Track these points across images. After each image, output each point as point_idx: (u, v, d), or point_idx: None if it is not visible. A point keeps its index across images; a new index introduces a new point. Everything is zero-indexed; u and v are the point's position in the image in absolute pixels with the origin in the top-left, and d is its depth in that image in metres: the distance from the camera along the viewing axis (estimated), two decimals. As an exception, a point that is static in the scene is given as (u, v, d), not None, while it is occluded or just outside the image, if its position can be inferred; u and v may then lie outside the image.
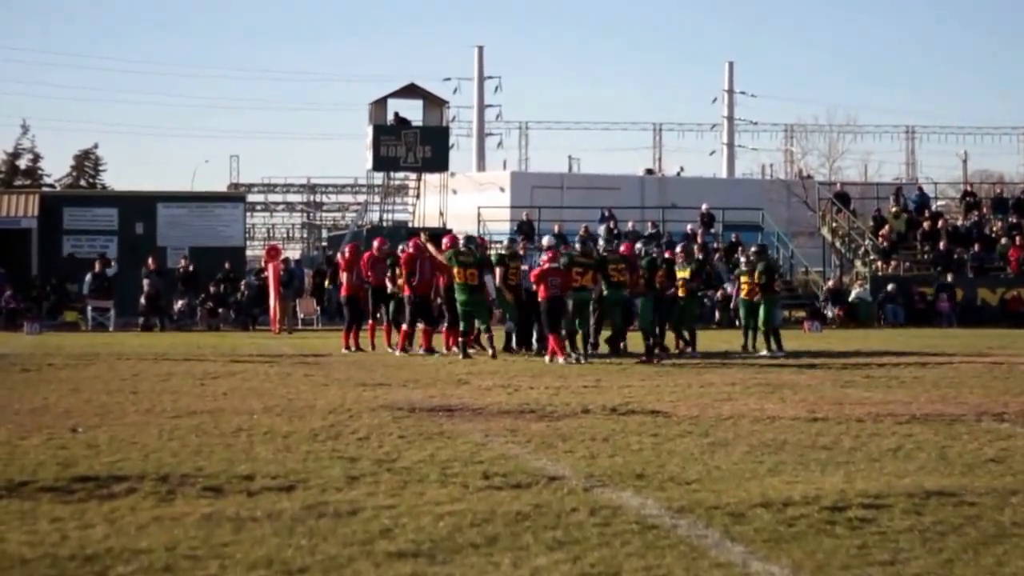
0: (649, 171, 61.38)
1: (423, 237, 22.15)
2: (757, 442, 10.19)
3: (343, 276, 23.71)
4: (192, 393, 14.18)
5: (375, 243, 23.20)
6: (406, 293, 21.23)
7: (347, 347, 22.21)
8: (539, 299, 19.35)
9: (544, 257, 19.68)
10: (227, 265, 36.09)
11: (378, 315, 22.76)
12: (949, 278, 38.02)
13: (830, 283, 39.31)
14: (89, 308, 34.04)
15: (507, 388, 14.90)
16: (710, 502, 7.50)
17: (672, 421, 11.58)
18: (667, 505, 7.44)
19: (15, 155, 65.88)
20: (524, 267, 21.42)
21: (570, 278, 19.37)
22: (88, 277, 34.38)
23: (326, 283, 36.42)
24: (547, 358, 19.14)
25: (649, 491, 7.92)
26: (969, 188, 47.86)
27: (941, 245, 39.63)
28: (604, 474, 8.54)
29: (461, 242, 20.90)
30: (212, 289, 35.18)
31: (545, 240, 22.17)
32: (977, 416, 12.12)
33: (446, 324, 21.19)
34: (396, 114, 43.36)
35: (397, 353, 20.74)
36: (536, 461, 9.13)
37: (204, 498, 7.62)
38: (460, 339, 20.17)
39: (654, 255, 21.72)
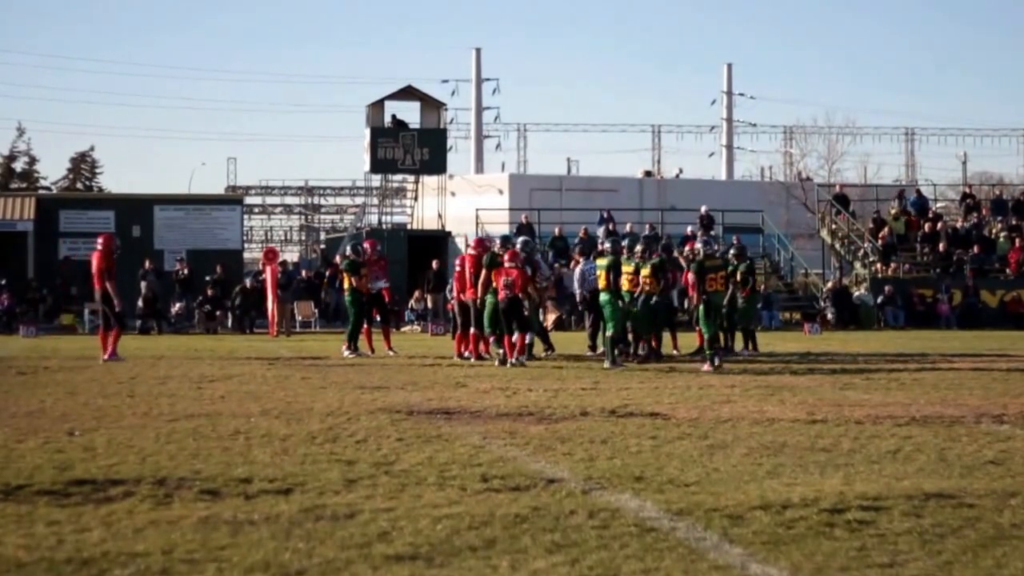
0: (648, 173, 61.38)
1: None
2: (756, 444, 10.18)
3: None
4: (189, 396, 14.18)
5: (367, 246, 23.05)
6: (472, 297, 20.01)
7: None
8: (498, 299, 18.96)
9: (505, 257, 19.40)
10: (218, 269, 35.96)
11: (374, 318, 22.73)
12: (969, 281, 38.07)
13: (829, 284, 39.35)
14: (87, 311, 34.03)
15: (505, 391, 14.88)
16: (709, 504, 7.48)
17: (671, 423, 11.57)
18: (666, 507, 7.42)
19: (11, 158, 66.01)
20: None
21: (527, 278, 19.14)
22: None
23: (322, 286, 36.41)
24: (509, 361, 18.75)
25: (648, 493, 7.91)
26: (968, 190, 47.90)
27: (941, 247, 39.68)
28: (603, 477, 8.52)
29: (497, 244, 20.39)
30: (210, 292, 35.18)
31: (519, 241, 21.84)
32: (976, 418, 12.11)
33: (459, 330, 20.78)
34: (393, 116, 43.42)
35: (473, 360, 19.80)
36: (535, 464, 9.13)
37: (201, 501, 7.61)
38: (492, 343, 19.69)
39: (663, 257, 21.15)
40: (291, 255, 59.86)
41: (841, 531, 6.84)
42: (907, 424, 11.55)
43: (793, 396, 14.27)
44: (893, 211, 41.84)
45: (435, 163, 43.56)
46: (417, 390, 15.03)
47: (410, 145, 42.59)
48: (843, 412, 12.49)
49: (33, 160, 66.66)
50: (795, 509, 7.33)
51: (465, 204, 46.80)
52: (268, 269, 32.89)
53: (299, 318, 35.24)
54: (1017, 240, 39.55)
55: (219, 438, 10.41)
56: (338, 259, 25.14)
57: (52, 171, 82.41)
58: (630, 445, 10.10)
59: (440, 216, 43.99)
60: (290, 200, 72.61)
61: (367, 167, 43.93)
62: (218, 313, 34.97)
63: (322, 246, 52.09)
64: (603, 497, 7.78)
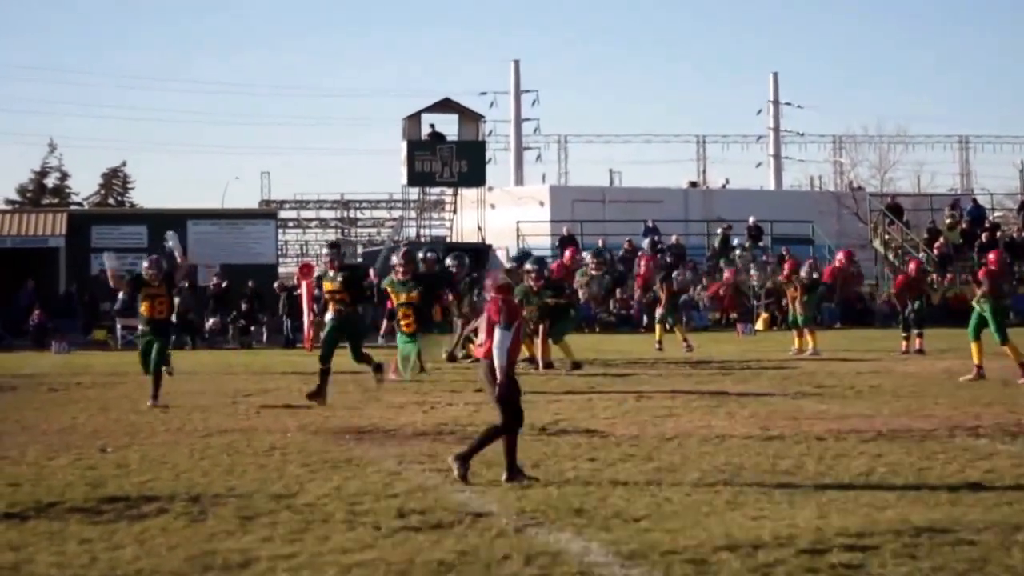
0: (693, 184, 61.83)
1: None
2: (709, 467, 9.62)
3: None
4: (223, 411, 14.44)
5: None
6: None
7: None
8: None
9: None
10: (251, 283, 36.80)
11: None
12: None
13: (884, 296, 39.94)
14: (119, 326, 34.98)
15: (422, 405, 14.54)
16: (665, 545, 6.91)
17: (610, 442, 11.12)
18: (615, 549, 6.87)
19: (42, 174, 66.99)
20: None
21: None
22: (121, 295, 35.43)
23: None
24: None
25: (592, 531, 7.36)
26: (1026, 198, 48.31)
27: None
28: (537, 509, 7.99)
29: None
30: (245, 306, 36.06)
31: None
32: (949, 431, 11.73)
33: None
34: (432, 126, 44.25)
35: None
36: (458, 494, 8.66)
37: (236, 518, 7.83)
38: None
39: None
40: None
41: (826, 578, 6.35)
42: (874, 439, 11.17)
43: (742, 408, 13.76)
44: (948, 221, 42.45)
45: (474, 175, 44.25)
46: (327, 408, 14.72)
47: (448, 157, 43.33)
48: (801, 426, 12.03)
49: (64, 176, 67.63)
50: (768, 550, 6.77)
51: (505, 216, 47.53)
52: (303, 284, 33.86)
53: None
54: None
55: (254, 454, 10.64)
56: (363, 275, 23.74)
57: (84, 187, 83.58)
58: (566, 469, 9.58)
59: (480, 228, 44.81)
60: (325, 214, 73.00)
61: (404, 180, 44.86)
62: (252, 328, 35.87)
63: (359, 260, 52.95)
64: (540, 536, 7.24)
